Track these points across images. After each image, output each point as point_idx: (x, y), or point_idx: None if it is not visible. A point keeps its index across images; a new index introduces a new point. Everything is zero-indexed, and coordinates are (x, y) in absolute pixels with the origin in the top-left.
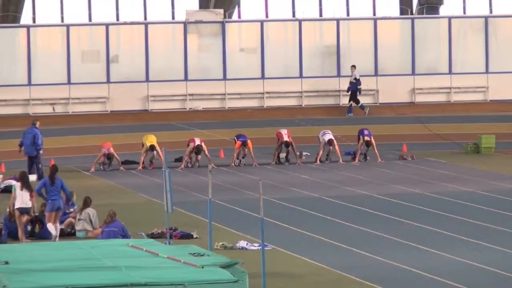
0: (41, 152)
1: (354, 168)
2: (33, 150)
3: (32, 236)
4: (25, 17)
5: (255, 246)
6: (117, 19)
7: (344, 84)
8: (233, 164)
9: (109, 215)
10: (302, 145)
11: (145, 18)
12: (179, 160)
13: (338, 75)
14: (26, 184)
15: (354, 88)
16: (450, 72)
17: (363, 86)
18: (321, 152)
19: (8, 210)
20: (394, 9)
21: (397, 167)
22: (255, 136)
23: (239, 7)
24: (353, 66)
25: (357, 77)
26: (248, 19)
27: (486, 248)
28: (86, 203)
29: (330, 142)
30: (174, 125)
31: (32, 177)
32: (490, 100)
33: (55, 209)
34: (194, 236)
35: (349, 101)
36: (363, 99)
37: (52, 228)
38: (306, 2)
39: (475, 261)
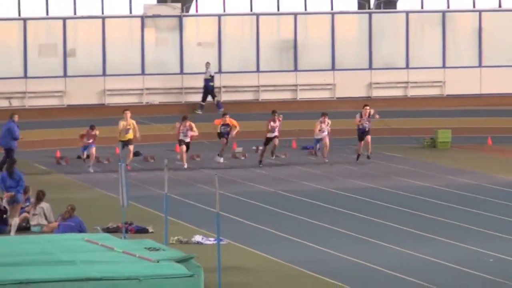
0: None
1: (310, 163)
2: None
3: None
4: None
5: (210, 241)
6: (75, 13)
7: (302, 78)
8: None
9: (67, 210)
10: (259, 139)
11: (102, 12)
12: (137, 154)
13: (295, 69)
14: None
15: (207, 85)
16: (407, 67)
17: (319, 81)
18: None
19: None
20: (352, 3)
21: (353, 161)
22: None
23: (196, 1)
24: (208, 63)
25: (212, 74)
26: (205, 13)
27: (440, 242)
28: (39, 197)
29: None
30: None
31: None
32: (447, 95)
33: (12, 202)
34: (150, 231)
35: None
36: (321, 94)
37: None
38: None
39: (429, 255)
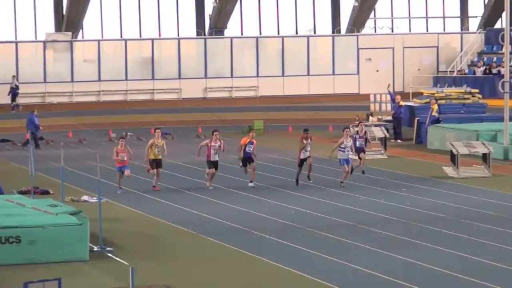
0: None
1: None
2: None
3: None
4: None
5: (94, 199)
6: None
7: (158, 84)
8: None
9: None
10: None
11: (16, 38)
12: (41, 139)
13: (153, 78)
14: None
15: (14, 92)
16: (232, 76)
17: (168, 86)
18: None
19: None
20: (192, 31)
21: (195, 143)
22: (94, 121)
23: (83, 30)
24: (14, 76)
25: (17, 84)
26: (89, 39)
27: (250, 197)
28: None
29: None
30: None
31: None
32: (260, 96)
33: None
34: (51, 192)
35: (12, 101)
36: (171, 95)
37: None
38: (130, 25)
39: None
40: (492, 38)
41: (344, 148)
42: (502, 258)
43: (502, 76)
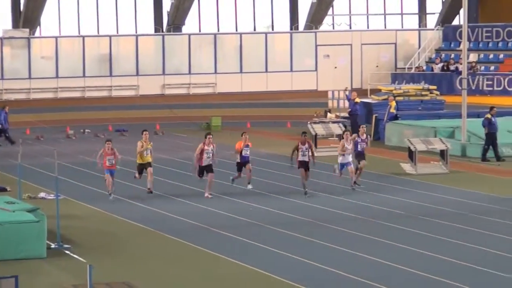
0: None
1: (117, 140)
2: None
3: None
4: None
5: (51, 196)
6: None
7: (115, 81)
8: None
9: None
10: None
11: None
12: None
13: (111, 75)
14: None
15: None
16: (189, 73)
17: (126, 83)
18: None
19: None
20: (150, 28)
21: (153, 140)
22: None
23: (40, 27)
24: None
25: None
26: (46, 35)
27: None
28: None
29: None
30: None
31: None
32: (218, 92)
33: None
34: (8, 190)
35: None
36: (129, 92)
37: None
38: (88, 21)
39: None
40: (450, 35)
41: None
42: (460, 255)
43: (460, 73)
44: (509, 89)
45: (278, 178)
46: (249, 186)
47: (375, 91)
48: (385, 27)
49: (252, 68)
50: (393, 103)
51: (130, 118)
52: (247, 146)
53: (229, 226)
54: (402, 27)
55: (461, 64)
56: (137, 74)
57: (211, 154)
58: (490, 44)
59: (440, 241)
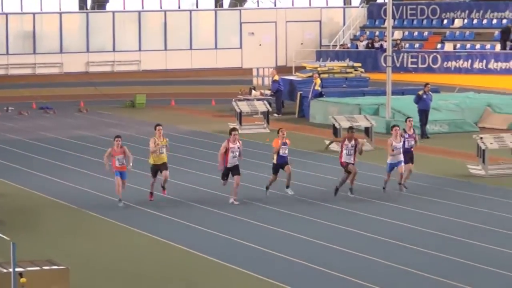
0: None
1: (41, 118)
2: None
3: None
4: None
5: None
6: None
7: (39, 59)
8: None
9: None
10: None
11: None
12: None
13: (34, 52)
14: None
15: None
16: (114, 50)
17: (50, 61)
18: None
19: None
20: (74, 5)
21: (76, 117)
22: None
23: None
24: None
25: None
26: None
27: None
28: None
29: None
30: None
31: None
32: (142, 70)
33: None
34: None
35: None
36: (53, 70)
37: None
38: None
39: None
40: (375, 13)
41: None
42: (377, 229)
43: (385, 50)
44: (434, 66)
45: (197, 155)
46: (289, 192)
47: (300, 69)
48: (310, 5)
49: (177, 46)
50: (318, 81)
51: (54, 95)
52: (285, 144)
53: (151, 202)
54: (327, 4)
55: (385, 41)
56: (61, 52)
57: (237, 153)
58: (415, 22)
59: (358, 216)
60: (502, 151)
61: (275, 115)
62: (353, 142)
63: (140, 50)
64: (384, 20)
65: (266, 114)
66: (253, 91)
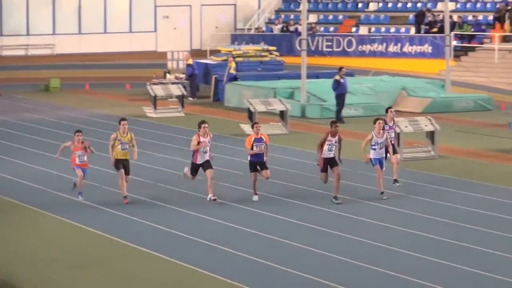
0: None
1: None
2: None
3: None
4: None
5: None
6: None
7: None
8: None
9: None
10: None
11: None
12: None
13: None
14: None
15: None
16: (28, 34)
17: None
18: None
19: None
20: None
21: None
22: None
23: None
24: None
25: None
26: None
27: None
28: None
29: None
30: None
31: None
32: (57, 54)
33: None
34: None
35: None
36: None
37: None
38: None
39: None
40: None
41: (374, 145)
42: (289, 213)
43: (300, 34)
44: (348, 50)
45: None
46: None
47: (215, 52)
48: None
49: (91, 29)
50: (233, 64)
51: None
52: (259, 140)
53: (69, 188)
54: None
55: (300, 25)
56: None
57: (207, 148)
58: (330, 5)
59: (277, 201)
60: (416, 135)
61: (190, 99)
62: (336, 138)
63: (54, 33)
64: (299, 3)
65: (181, 98)
66: (167, 74)
